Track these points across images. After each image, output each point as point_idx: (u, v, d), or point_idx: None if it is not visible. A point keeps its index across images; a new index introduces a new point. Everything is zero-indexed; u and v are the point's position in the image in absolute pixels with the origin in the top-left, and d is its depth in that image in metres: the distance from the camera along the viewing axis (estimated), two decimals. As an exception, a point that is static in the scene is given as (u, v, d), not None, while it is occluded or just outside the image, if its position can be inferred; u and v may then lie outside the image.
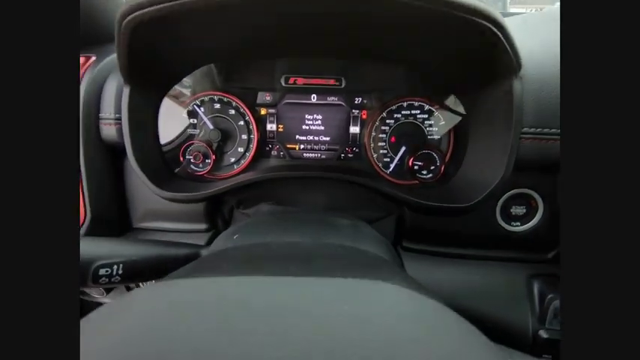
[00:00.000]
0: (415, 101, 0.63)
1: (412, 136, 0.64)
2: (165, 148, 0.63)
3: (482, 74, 0.50)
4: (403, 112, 0.64)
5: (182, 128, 0.66)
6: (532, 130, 0.49)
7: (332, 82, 0.64)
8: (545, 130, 0.49)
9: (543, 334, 0.52)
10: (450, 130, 0.63)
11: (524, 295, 0.53)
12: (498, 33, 0.41)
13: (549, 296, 0.52)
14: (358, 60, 0.63)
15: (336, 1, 0.40)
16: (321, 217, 0.53)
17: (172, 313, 0.23)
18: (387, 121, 0.65)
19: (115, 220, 0.64)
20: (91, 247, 0.43)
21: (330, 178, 0.59)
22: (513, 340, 0.52)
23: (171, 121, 0.64)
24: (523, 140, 0.49)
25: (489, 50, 0.44)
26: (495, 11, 0.40)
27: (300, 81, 0.64)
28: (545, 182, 0.53)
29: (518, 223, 0.56)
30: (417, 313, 0.25)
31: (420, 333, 0.23)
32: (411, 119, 0.64)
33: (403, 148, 0.64)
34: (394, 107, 0.64)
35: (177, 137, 0.66)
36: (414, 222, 0.59)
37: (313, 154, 0.67)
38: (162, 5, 0.39)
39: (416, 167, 0.63)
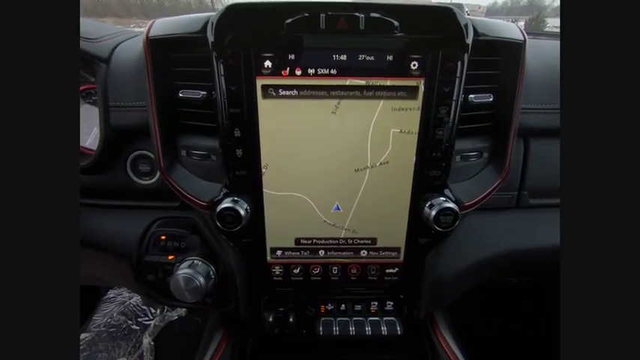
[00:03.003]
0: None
1: None
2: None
3: None
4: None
5: None
6: (123, 103, 0.65)
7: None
8: (123, 103, 0.65)
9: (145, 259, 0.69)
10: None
11: (142, 233, 0.70)
12: None
13: (154, 231, 0.70)
14: None
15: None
16: None
17: None
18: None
19: None
20: None
21: None
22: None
23: None
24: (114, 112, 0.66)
25: None
26: None
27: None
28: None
29: (147, 178, 0.71)
30: None
31: None
32: None
33: None
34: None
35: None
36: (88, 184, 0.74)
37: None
38: None
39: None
